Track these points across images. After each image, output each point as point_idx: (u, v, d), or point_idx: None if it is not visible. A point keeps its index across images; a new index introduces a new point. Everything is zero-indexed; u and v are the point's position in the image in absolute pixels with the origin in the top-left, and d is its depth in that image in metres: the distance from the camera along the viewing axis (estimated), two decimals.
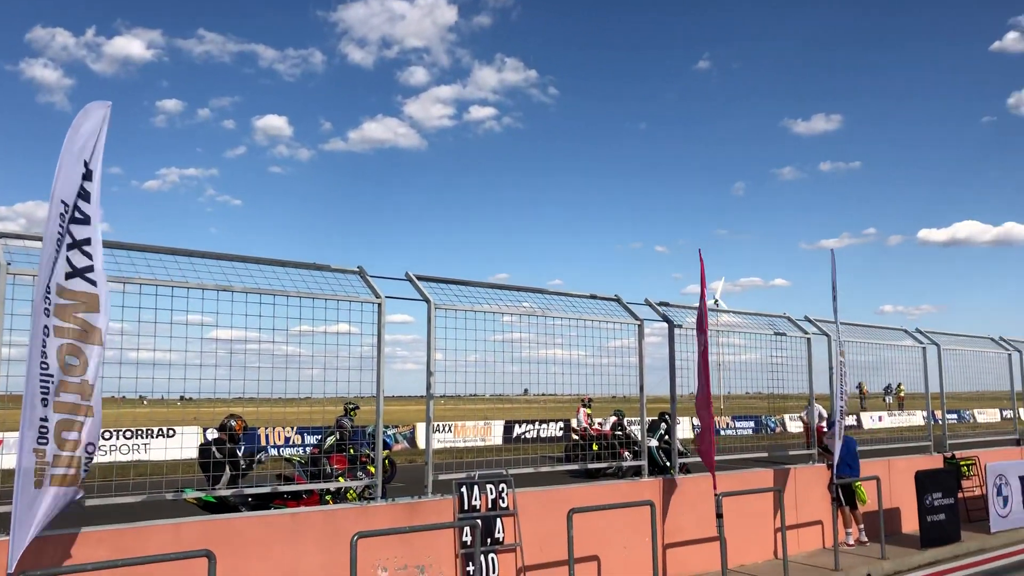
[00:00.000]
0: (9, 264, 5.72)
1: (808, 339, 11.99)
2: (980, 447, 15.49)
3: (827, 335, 11.97)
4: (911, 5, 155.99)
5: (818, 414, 14.96)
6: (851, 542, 11.43)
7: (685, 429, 31.00)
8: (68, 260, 5.20)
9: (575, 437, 22.56)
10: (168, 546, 6.08)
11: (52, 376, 5.03)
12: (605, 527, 8.77)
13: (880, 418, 43.59)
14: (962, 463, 13.99)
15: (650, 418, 14.85)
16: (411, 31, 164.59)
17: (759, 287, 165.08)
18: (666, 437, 15.89)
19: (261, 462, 11.19)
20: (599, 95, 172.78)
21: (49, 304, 5.06)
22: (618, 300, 9.98)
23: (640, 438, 10.20)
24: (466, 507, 7.85)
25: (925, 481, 11.60)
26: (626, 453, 15.20)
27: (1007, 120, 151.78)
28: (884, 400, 46.61)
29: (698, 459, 10.79)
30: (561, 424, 32.71)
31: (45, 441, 4.99)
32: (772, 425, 38.77)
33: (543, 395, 9.67)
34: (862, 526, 11.58)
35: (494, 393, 8.78)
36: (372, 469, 9.39)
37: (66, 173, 5.20)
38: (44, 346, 4.99)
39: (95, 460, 5.47)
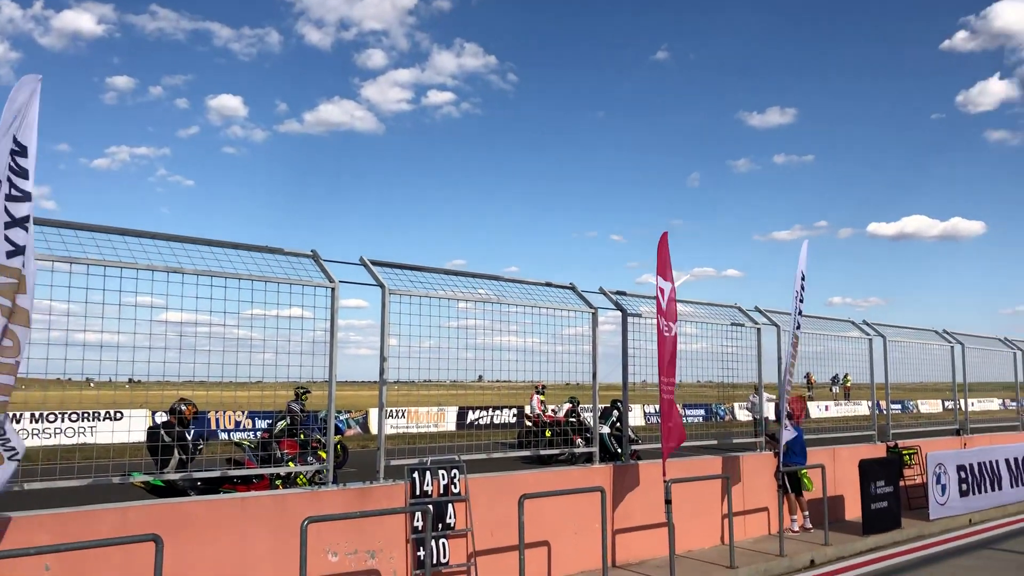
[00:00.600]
0: None
1: (758, 329, 12.18)
2: (922, 437, 15.91)
3: (776, 326, 12.17)
4: (864, 3, 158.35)
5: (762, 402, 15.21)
6: (796, 528, 11.68)
7: (637, 416, 31.35)
8: (7, 239, 5.06)
9: (528, 424, 22.69)
10: (114, 530, 6.00)
11: None
12: (556, 513, 8.85)
13: (827, 408, 44.52)
14: (904, 452, 14.36)
15: (603, 405, 14.98)
16: (370, 13, 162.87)
17: (712, 277, 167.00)
18: (618, 424, 16.05)
19: (200, 450, 11.08)
20: (558, 83, 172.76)
21: None
22: (573, 288, 10.04)
23: (593, 425, 10.29)
24: (418, 493, 7.86)
25: (868, 469, 11.89)
26: (579, 440, 15.37)
27: (956, 117, 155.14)
28: (831, 390, 47.63)
29: (649, 446, 10.94)
30: (515, 411, 32.86)
31: None
32: (722, 413, 39.37)
33: (497, 381, 9.70)
34: (807, 513, 11.84)
35: (448, 379, 8.79)
36: (323, 454, 9.36)
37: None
38: None
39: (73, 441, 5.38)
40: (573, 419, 19.46)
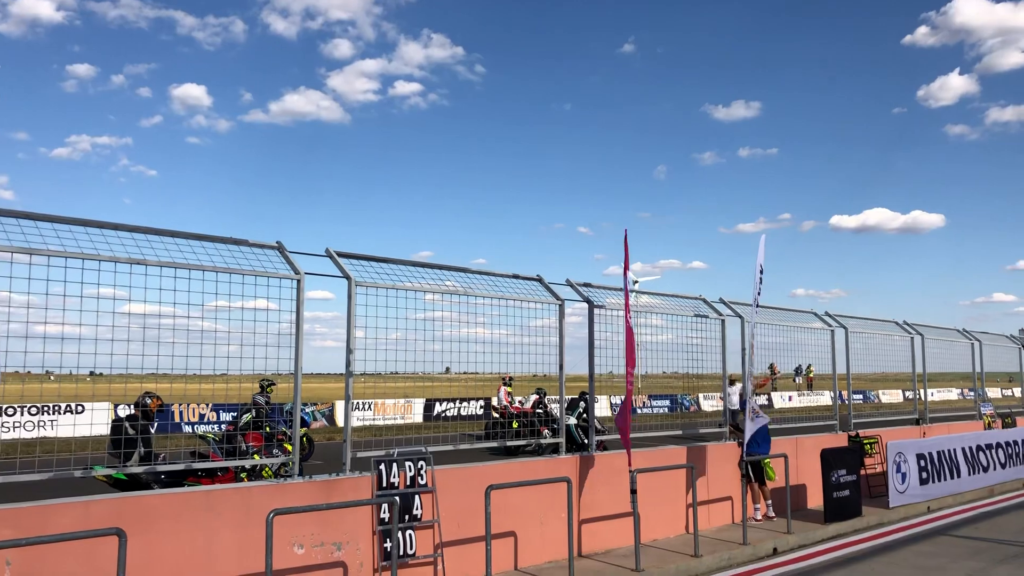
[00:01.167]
0: None
1: (723, 321, 12.30)
2: (882, 426, 16.20)
3: (741, 317, 12.31)
4: None
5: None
6: (759, 517, 11.84)
7: (603, 407, 31.53)
8: None
9: (495, 415, 22.74)
10: (77, 524, 5.93)
11: None
12: (523, 503, 8.90)
13: (790, 398, 45.11)
14: (865, 441, 14.62)
15: (570, 397, 15.05)
16: (336, 3, 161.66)
17: (678, 269, 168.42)
18: (585, 415, 16.15)
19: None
20: (525, 75, 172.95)
21: None
22: (540, 280, 10.07)
23: (559, 416, 10.34)
24: (384, 484, 7.86)
25: (830, 459, 12.08)
26: (546, 431, 15.44)
27: (917, 112, 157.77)
28: (794, 380, 48.20)
29: (615, 437, 11.02)
30: (482, 402, 32.89)
31: None
32: (687, 404, 39.74)
33: (464, 373, 9.71)
34: (770, 502, 12.01)
35: (415, 371, 8.78)
36: (289, 447, 9.31)
37: None
38: None
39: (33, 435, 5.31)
40: (540, 410, 19.53)
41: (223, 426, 24.71)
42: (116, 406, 19.86)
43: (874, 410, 32.48)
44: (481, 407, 33.09)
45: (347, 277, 7.93)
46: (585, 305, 10.34)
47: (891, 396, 51.96)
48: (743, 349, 12.04)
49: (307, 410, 29.07)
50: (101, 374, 6.82)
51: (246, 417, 11.91)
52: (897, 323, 17.39)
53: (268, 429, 10.86)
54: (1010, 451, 16.72)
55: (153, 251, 6.72)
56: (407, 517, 7.94)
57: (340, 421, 30.14)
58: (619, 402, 10.04)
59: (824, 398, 44.28)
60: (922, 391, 17.54)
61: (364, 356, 8.06)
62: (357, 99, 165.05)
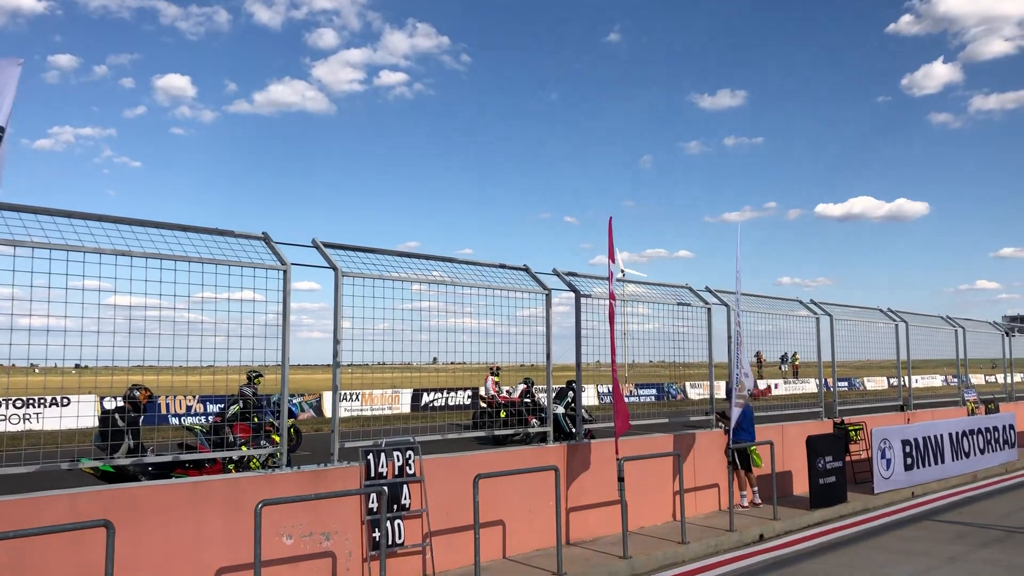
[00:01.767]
0: None
1: (708, 309, 12.36)
2: (867, 413, 16.33)
3: (726, 305, 12.37)
4: None
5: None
6: (745, 504, 11.93)
7: (591, 396, 31.63)
8: None
9: (483, 405, 22.76)
10: (64, 517, 5.92)
11: None
12: (511, 492, 8.94)
13: (776, 385, 45.33)
14: (850, 428, 14.73)
15: (557, 386, 15.09)
16: None
17: (664, 258, 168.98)
18: (572, 404, 16.19)
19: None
20: (511, 64, 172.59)
21: None
22: (527, 270, 10.08)
23: (547, 405, 10.38)
24: (373, 474, 7.87)
25: (816, 445, 12.17)
26: (533, 420, 15.47)
27: (901, 100, 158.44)
28: (780, 368, 48.55)
29: (603, 425, 11.08)
30: (469, 392, 32.92)
31: None
32: (674, 392, 39.93)
33: (452, 363, 9.73)
34: (756, 488, 12.10)
35: (403, 361, 8.79)
36: (276, 438, 9.30)
37: None
38: None
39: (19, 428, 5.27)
40: (528, 399, 19.57)
41: (210, 417, 24.67)
42: (102, 398, 19.78)
43: (859, 397, 32.73)
44: (469, 397, 33.13)
45: (334, 268, 7.92)
46: (572, 294, 10.36)
47: (876, 383, 52.36)
48: (729, 337, 12.10)
49: (294, 401, 29.04)
50: (86, 366, 6.80)
51: (233, 408, 11.88)
52: (881, 310, 17.51)
53: (256, 420, 10.84)
54: (993, 437, 16.89)
55: (138, 242, 6.70)
56: (396, 507, 7.95)
57: (327, 412, 30.11)
58: (607, 390, 10.06)
59: (810, 385, 44.60)
60: (906, 378, 17.67)
61: (352, 347, 8.07)
62: (342, 89, 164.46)
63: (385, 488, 7.64)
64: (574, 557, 8.93)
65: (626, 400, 9.88)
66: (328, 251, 8.05)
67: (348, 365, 8.08)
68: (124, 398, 10.25)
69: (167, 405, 26.03)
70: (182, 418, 25.73)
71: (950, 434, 15.39)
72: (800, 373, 47.11)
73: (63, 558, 5.94)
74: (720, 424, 12.36)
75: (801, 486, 12.89)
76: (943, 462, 14.96)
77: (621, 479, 9.27)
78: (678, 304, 11.91)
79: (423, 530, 8.19)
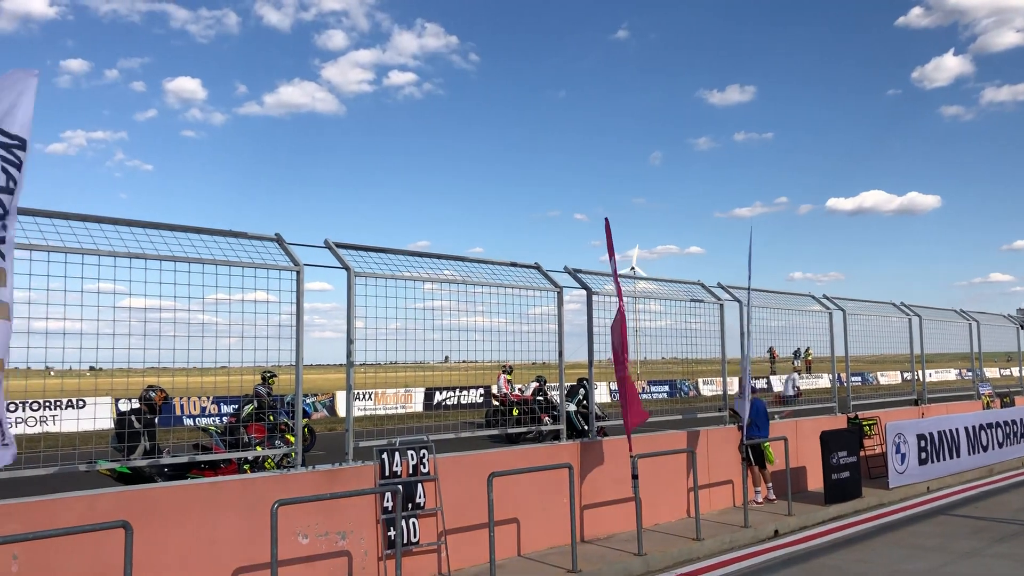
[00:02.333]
0: None
1: (721, 305, 12.34)
2: (881, 407, 16.26)
3: (739, 301, 12.34)
4: None
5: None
6: (760, 500, 11.91)
7: (603, 394, 31.61)
8: None
9: (495, 403, 22.80)
10: (83, 518, 5.97)
11: None
12: (524, 490, 8.95)
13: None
14: (864, 423, 14.68)
15: (569, 383, 15.09)
16: None
17: (675, 254, 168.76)
18: (584, 402, 16.19)
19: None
20: (520, 63, 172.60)
21: None
22: (538, 268, 10.09)
23: (559, 403, 10.39)
24: (387, 473, 7.90)
25: (830, 441, 12.14)
26: (546, 418, 15.49)
27: (912, 93, 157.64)
28: (793, 364, 48.35)
29: (616, 422, 11.06)
30: (482, 390, 32.96)
31: None
32: (686, 389, 39.85)
33: (464, 362, 9.74)
34: (770, 484, 12.07)
35: (415, 360, 8.81)
36: (291, 438, 9.34)
37: None
38: None
39: (36, 430, 5.32)
40: (540, 397, 19.59)
41: (224, 418, 24.78)
42: (117, 400, 19.90)
43: (872, 392, 32.58)
44: (481, 395, 33.18)
45: (346, 268, 7.95)
46: (583, 292, 10.36)
47: (889, 378, 52.14)
48: (742, 333, 12.08)
49: (308, 401, 29.14)
50: (101, 369, 6.85)
51: (248, 408, 11.94)
52: (895, 304, 17.43)
53: (271, 420, 10.88)
54: (1009, 430, 16.80)
55: (152, 245, 6.75)
56: (410, 505, 7.98)
57: (341, 411, 30.22)
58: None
59: (823, 380, 44.39)
60: (920, 372, 17.60)
61: (364, 346, 8.10)
62: (352, 90, 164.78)
63: (400, 487, 7.67)
64: (589, 554, 8.94)
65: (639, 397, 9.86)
66: (340, 251, 8.08)
67: (361, 364, 8.11)
68: (140, 399, 10.32)
69: (181, 406, 26.17)
70: (196, 419, 25.88)
71: (966, 428, 15.32)
72: (813, 368, 46.93)
73: (83, 559, 5.99)
74: (733, 420, 12.34)
75: (815, 482, 12.86)
76: (958, 456, 14.90)
77: (635, 476, 9.27)
78: (690, 300, 11.89)
79: (438, 529, 8.22)
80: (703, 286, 12.42)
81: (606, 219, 9.86)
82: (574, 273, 10.45)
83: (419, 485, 8.12)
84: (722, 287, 12.63)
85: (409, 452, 8.12)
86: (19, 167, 5.21)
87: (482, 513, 8.11)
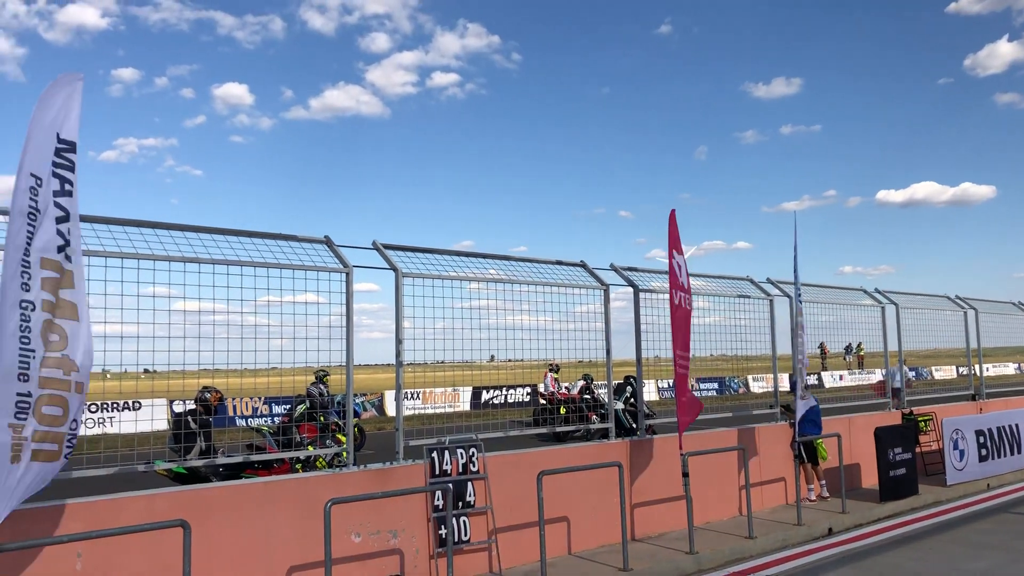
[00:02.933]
0: None
1: (770, 301, 12.20)
2: (937, 403, 15.92)
3: (789, 296, 12.18)
4: None
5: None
6: (813, 498, 11.74)
7: (651, 391, 31.43)
8: (47, 234, 5.14)
9: (542, 402, 22.79)
10: (141, 517, 6.11)
11: (33, 351, 4.97)
12: (574, 489, 8.94)
13: (841, 377, 44.49)
14: (920, 419, 14.39)
15: (616, 381, 15.07)
16: None
17: (722, 250, 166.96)
18: (632, 400, 16.11)
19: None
20: (562, 60, 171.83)
21: (28, 279, 4.99)
22: (583, 266, 10.07)
23: (607, 401, 10.35)
24: (437, 472, 7.95)
25: (884, 437, 11.92)
26: (593, 416, 15.44)
27: (964, 81, 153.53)
28: (844, 359, 47.53)
29: (664, 420, 11.01)
30: (528, 389, 32.96)
31: (24, 417, 4.94)
32: (736, 386, 39.41)
33: (510, 361, 9.76)
34: (823, 482, 11.90)
35: (461, 360, 8.85)
36: (342, 437, 9.43)
37: (36, 146, 5.12)
38: (26, 320, 4.94)
39: (79, 434, 5.46)
40: (587, 396, 19.53)
41: (276, 419, 25.14)
42: (171, 402, 20.30)
43: (927, 386, 31.94)
44: (528, 394, 33.18)
45: (394, 269, 8.01)
46: (630, 289, 10.32)
47: (945, 372, 50.95)
48: (792, 329, 11.92)
49: (357, 400, 29.40)
50: (156, 371, 6.99)
51: (300, 408, 12.10)
52: (949, 298, 17.05)
53: (322, 420, 11.01)
54: None
55: (205, 249, 6.87)
56: (460, 504, 8.02)
57: (389, 411, 30.44)
58: (667, 385, 9.99)
59: (876, 376, 43.60)
60: (977, 366, 17.18)
61: (412, 346, 8.15)
62: (395, 92, 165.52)
63: (450, 485, 7.71)
64: (640, 552, 8.90)
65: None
66: (388, 252, 8.15)
67: (409, 364, 8.17)
68: (195, 400, 10.51)
69: (234, 407, 26.60)
70: (248, 419, 26.28)
71: None
72: (865, 363, 46.10)
73: (142, 557, 6.12)
74: (785, 417, 12.18)
75: (870, 479, 12.64)
76: (1020, 452, 14.52)
77: (686, 474, 9.20)
78: (739, 296, 11.77)
79: (488, 527, 8.25)
80: (752, 281, 12.28)
81: (672, 211, 9.78)
82: (621, 271, 10.40)
83: (469, 484, 8.15)
84: (771, 282, 12.48)
85: (459, 451, 8.16)
86: (72, 170, 5.35)
87: (532, 512, 8.11)
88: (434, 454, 7.99)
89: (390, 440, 8.15)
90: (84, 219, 6.29)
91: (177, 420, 10.32)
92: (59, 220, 5.23)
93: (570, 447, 9.43)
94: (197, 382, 10.12)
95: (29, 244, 5.02)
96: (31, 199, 5.06)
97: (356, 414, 9.81)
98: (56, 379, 5.13)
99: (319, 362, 7.73)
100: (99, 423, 24.47)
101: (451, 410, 30.89)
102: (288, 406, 13.91)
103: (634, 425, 11.89)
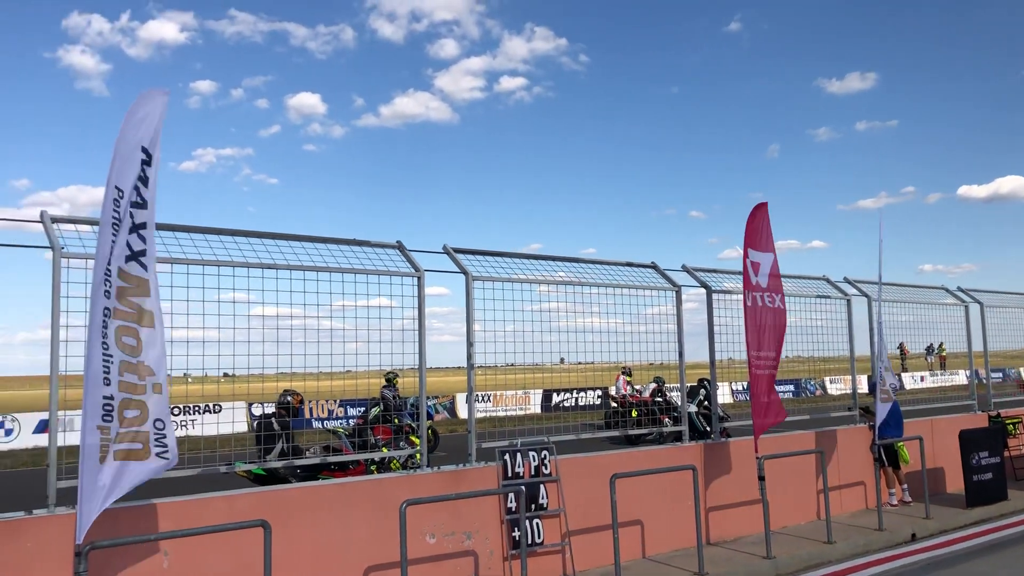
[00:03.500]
0: (63, 248, 5.89)
1: (848, 300, 11.92)
2: None
3: (867, 296, 11.88)
4: None
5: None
6: (894, 502, 11.42)
7: (725, 394, 30.97)
8: (127, 244, 5.35)
9: (614, 404, 22.67)
10: (223, 517, 6.28)
11: (112, 357, 5.18)
12: (647, 492, 8.87)
13: (922, 378, 43.14)
14: (1008, 421, 13.86)
15: (690, 384, 14.89)
16: (440, 3, 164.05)
17: (796, 249, 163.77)
18: (706, 403, 15.93)
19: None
20: (630, 61, 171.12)
21: (109, 287, 5.21)
22: (654, 267, 9.99)
23: (680, 404, 10.25)
24: (510, 474, 7.99)
25: (970, 440, 11.53)
26: (666, 419, 15.31)
27: None
28: (926, 360, 46.09)
29: (739, 423, 10.84)
30: (599, 392, 32.81)
31: (110, 419, 5.16)
32: (812, 388, 38.57)
33: (580, 363, 9.73)
34: (905, 486, 11.56)
35: (532, 363, 8.86)
36: (415, 439, 9.53)
37: (122, 159, 5.33)
38: (105, 327, 5.15)
39: (177, 434, 5.66)
40: (659, 399, 19.36)
41: (351, 421, 25.57)
42: (250, 405, 20.79)
43: (1015, 388, 30.73)
44: (599, 397, 33.03)
45: (465, 272, 8.08)
46: (703, 291, 10.20)
47: None
48: (871, 329, 11.62)
49: (430, 403, 29.69)
50: (235, 375, 7.18)
51: (375, 411, 12.28)
52: None
53: (396, 422, 11.15)
54: None
55: (282, 255, 7.04)
56: (533, 506, 8.04)
57: (461, 413, 30.67)
58: (741, 388, 9.84)
59: (959, 377, 42.12)
60: None
61: (482, 348, 8.20)
62: (464, 97, 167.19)
63: (523, 488, 7.73)
64: (715, 557, 8.78)
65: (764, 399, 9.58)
66: (458, 256, 8.23)
67: (480, 367, 8.22)
68: (277, 403, 10.75)
69: (310, 409, 27.15)
70: (324, 422, 26.78)
71: None
72: (948, 364, 44.61)
73: (224, 556, 6.29)
74: (864, 420, 11.88)
75: (954, 483, 12.23)
76: None
77: (762, 478, 9.05)
78: (816, 296, 11.53)
79: (561, 530, 8.24)
80: (828, 281, 12.02)
81: (762, 204, 9.59)
82: (693, 272, 10.29)
83: (542, 486, 8.17)
84: (848, 281, 12.20)
85: (531, 453, 8.18)
86: (147, 182, 5.53)
87: (605, 515, 8.08)
88: (506, 456, 8.02)
89: (462, 442, 8.22)
90: (167, 228, 6.54)
91: (260, 423, 10.55)
92: (135, 229, 5.42)
93: (643, 450, 9.36)
94: (275, 385, 10.37)
95: (111, 253, 5.22)
96: (114, 211, 5.27)
97: (429, 416, 9.92)
98: (132, 383, 5.32)
99: (392, 365, 7.83)
100: (181, 425, 25.22)
101: (522, 412, 30.94)
102: (363, 408, 14.12)
103: (708, 428, 11.75)
